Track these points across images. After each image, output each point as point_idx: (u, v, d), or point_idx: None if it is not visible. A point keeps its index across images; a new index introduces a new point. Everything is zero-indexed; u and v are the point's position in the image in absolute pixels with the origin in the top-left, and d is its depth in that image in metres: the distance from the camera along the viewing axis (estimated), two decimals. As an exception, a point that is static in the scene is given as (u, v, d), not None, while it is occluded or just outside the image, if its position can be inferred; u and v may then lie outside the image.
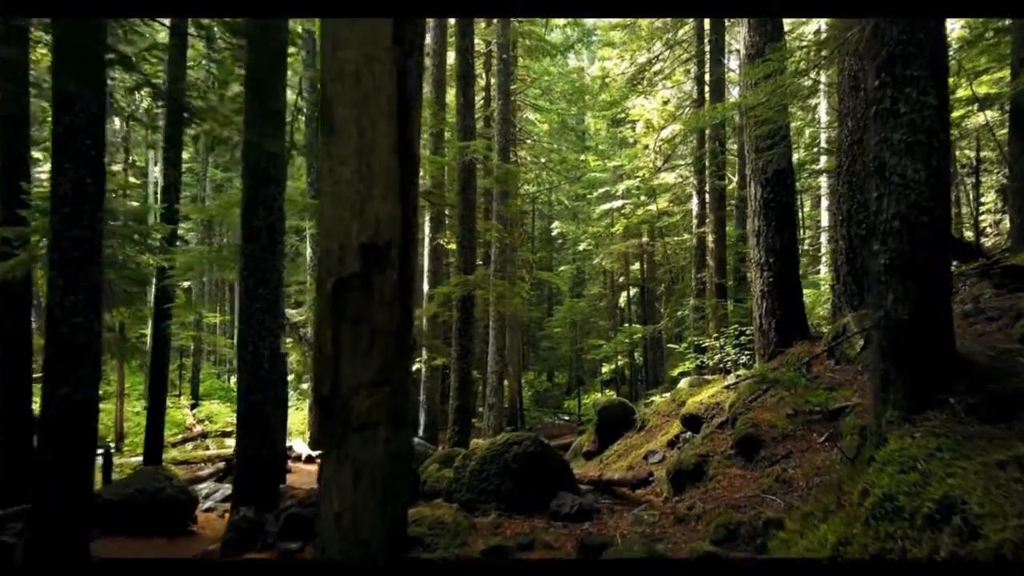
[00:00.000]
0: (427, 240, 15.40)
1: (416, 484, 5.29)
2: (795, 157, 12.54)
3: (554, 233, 33.22)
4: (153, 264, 9.88)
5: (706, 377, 14.08)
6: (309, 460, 15.02)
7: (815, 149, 24.26)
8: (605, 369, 27.76)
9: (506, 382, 24.20)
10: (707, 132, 16.66)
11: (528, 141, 23.60)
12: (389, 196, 3.28)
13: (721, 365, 14.18)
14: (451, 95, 21.04)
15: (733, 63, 17.90)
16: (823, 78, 23.68)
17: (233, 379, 27.04)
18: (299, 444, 15.78)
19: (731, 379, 7.70)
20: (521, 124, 23.49)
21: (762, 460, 5.09)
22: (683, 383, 13.98)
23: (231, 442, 16.16)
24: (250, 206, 7.17)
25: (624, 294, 26.83)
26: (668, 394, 14.12)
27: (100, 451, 10.97)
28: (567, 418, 27.93)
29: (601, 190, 23.98)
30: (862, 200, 9.07)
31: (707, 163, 16.52)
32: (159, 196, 10.79)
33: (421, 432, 15.51)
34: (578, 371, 30.62)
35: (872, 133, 3.10)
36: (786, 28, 11.83)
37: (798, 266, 7.87)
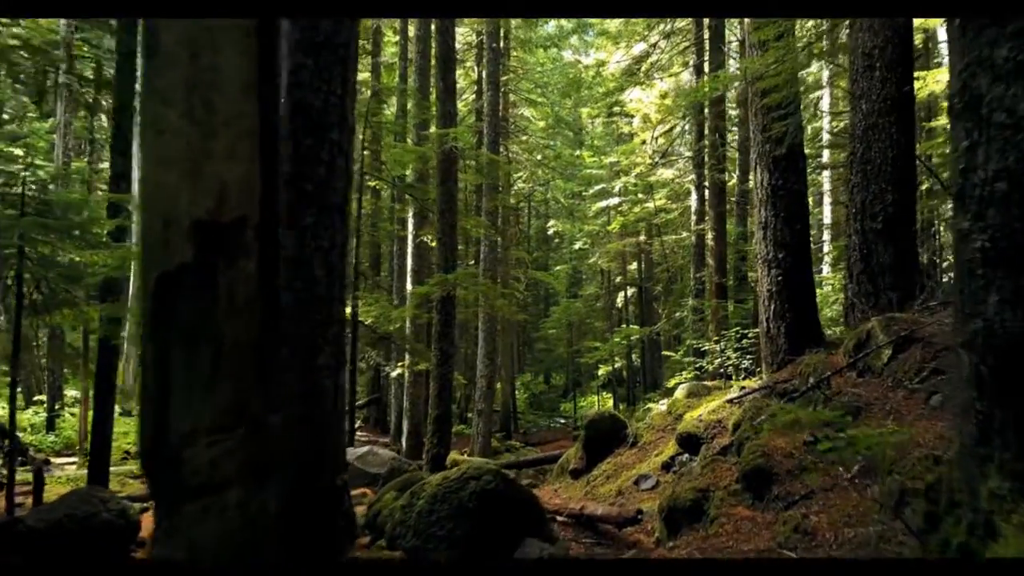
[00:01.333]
0: (411, 237, 14.39)
1: (351, 525, 4.27)
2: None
3: (550, 232, 32.20)
4: (97, 261, 8.89)
5: (705, 384, 13.04)
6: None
7: (817, 143, 23.25)
8: (602, 371, 26.72)
9: (499, 385, 23.20)
10: (706, 124, 15.65)
11: (523, 136, 22.58)
12: (241, 152, 2.23)
13: (721, 370, 13.20)
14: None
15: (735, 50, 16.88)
16: (825, 73, 22.72)
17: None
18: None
19: (734, 391, 6.67)
20: (515, 120, 22.47)
21: (775, 499, 4.07)
22: (680, 391, 12.94)
23: (205, 450, 15.14)
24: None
25: (621, 294, 25.81)
26: (664, 403, 13.09)
27: (29, 467, 9.98)
28: (563, 421, 26.92)
29: (597, 187, 22.97)
30: (878, 190, 8.08)
31: (706, 157, 15.50)
32: (108, 186, 9.80)
33: (404, 441, 14.51)
34: (575, 373, 29.58)
35: (956, 54, 2.05)
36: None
37: (811, 263, 6.85)
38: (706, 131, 15.50)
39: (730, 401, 6.36)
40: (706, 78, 9.71)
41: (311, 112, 4.04)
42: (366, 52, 21.44)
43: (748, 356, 13.12)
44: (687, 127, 17.91)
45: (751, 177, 6.91)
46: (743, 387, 6.66)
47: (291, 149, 4.00)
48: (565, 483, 8.26)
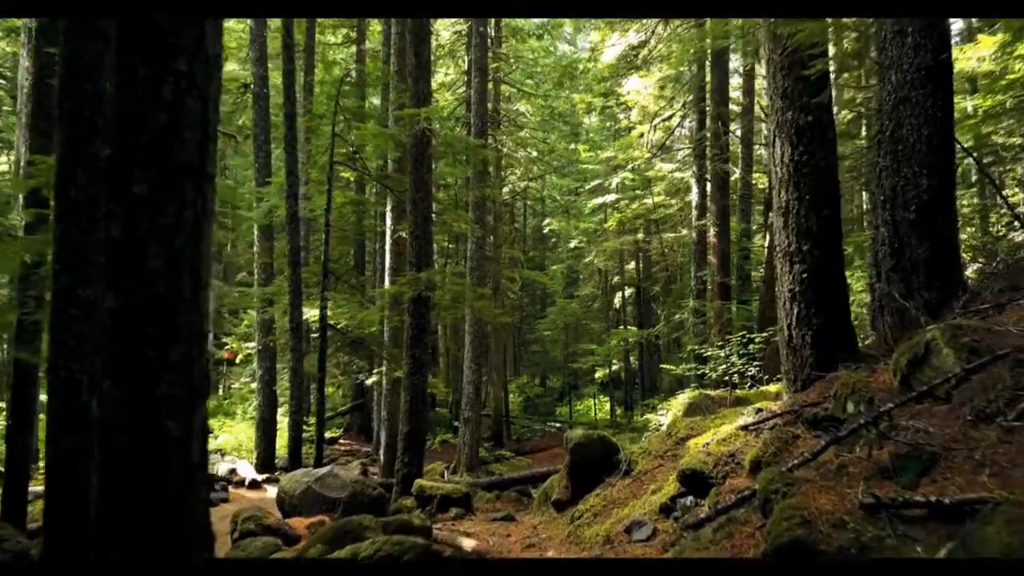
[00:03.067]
0: (389, 232, 13.08)
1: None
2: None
3: (546, 231, 30.89)
4: None
5: (708, 393, 11.75)
6: (254, 485, 12.70)
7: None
8: (599, 374, 25.41)
9: (491, 389, 21.89)
10: (708, 111, 14.33)
11: (519, 133, 21.24)
12: None
13: (726, 378, 11.92)
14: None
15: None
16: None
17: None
18: (244, 467, 13.47)
19: (748, 415, 5.37)
20: (507, 114, 21.14)
21: (825, 594, 2.75)
22: (679, 400, 11.66)
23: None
24: (66, 169, 4.90)
25: (619, 295, 24.48)
26: (663, 417, 11.78)
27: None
28: (559, 425, 25.60)
29: (594, 182, 21.66)
30: (911, 174, 6.78)
31: (708, 147, 14.18)
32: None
33: (381, 455, 13.21)
34: (571, 376, 28.25)
35: None
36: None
37: (842, 256, 5.55)
38: (707, 118, 14.19)
39: (744, 428, 5.05)
40: (711, 23, 8.40)
41: (147, 32, 2.71)
42: (350, 40, 20.17)
43: (755, 364, 11.83)
44: (688, 114, 16.59)
45: (769, 151, 5.60)
46: (759, 408, 5.36)
47: (117, 85, 2.69)
48: (547, 516, 6.95)
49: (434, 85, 22.11)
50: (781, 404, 5.28)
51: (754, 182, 18.56)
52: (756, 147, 21.18)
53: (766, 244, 14.72)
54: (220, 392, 22.35)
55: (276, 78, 16.27)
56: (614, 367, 23.19)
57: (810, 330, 5.25)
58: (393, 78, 12.17)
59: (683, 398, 11.37)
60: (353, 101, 12.08)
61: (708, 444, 5.20)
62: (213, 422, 17.93)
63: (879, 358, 5.49)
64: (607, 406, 25.25)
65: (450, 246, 23.50)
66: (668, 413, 12.01)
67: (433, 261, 9.46)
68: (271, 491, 11.63)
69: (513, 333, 29.19)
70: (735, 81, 18.54)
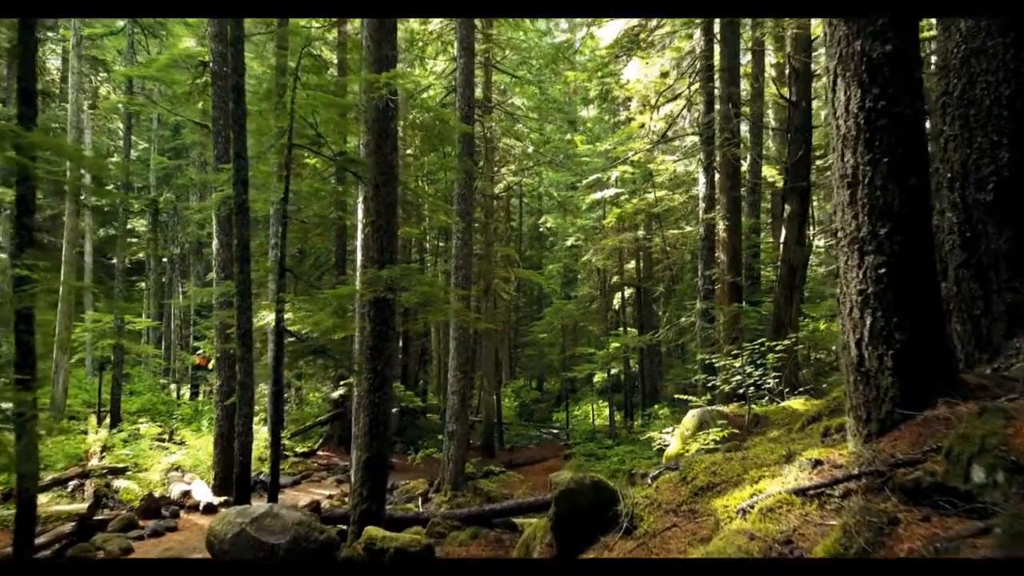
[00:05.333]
0: (360, 226, 11.39)
1: None
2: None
3: (543, 229, 29.21)
4: None
5: (719, 409, 10.07)
6: (210, 510, 11.05)
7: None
8: (597, 378, 23.73)
9: (482, 396, 20.21)
10: (717, 92, 12.65)
11: (510, 119, 19.55)
12: None
13: (740, 390, 10.24)
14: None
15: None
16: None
17: (185, 392, 23.06)
18: (200, 488, 11.81)
19: (801, 467, 3.70)
20: (502, 106, 19.45)
21: None
22: (687, 419, 9.97)
23: (120, 483, 12.19)
24: None
25: (618, 295, 22.79)
26: (671, 437, 10.09)
27: None
28: (556, 431, 23.94)
29: (592, 177, 19.97)
30: (987, 144, 5.16)
31: (717, 131, 12.51)
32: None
33: (352, 475, 11.54)
34: (569, 380, 26.57)
35: None
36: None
37: (932, 243, 3.87)
38: (716, 99, 12.51)
39: (801, 493, 3.39)
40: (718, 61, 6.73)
41: None
42: (331, 23, 18.50)
43: (773, 376, 10.16)
44: (693, 101, 14.92)
45: (829, 99, 3.91)
46: (816, 461, 3.69)
47: None
48: (526, 582, 5.29)
49: (429, 77, 20.49)
50: (850, 455, 3.62)
51: (764, 176, 16.93)
52: (765, 138, 19.47)
53: (782, 240, 13.05)
54: (197, 398, 20.74)
55: (249, 62, 14.61)
56: (613, 371, 21.51)
57: (890, 348, 3.59)
58: (366, 51, 10.49)
59: (692, 415, 9.70)
60: (320, 78, 10.43)
61: (745, 512, 3.54)
62: (180, 435, 16.30)
63: (986, 387, 3.84)
64: (606, 412, 23.58)
65: (440, 244, 21.87)
66: (674, 431, 10.35)
67: (398, 257, 7.80)
68: (224, 519, 9.97)
69: (508, 335, 27.53)
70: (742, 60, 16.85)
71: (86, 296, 20.84)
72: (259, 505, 7.70)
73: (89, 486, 11.71)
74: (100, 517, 9.97)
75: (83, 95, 17.54)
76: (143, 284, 24.90)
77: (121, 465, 12.82)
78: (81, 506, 9.75)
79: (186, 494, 11.63)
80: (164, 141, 23.13)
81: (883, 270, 3.68)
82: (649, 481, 5.58)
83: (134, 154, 25.32)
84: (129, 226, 25.44)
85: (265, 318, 10.80)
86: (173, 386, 22.76)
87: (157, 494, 11.79)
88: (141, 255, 25.53)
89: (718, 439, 5.04)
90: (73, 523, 9.20)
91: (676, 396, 19.15)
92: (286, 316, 10.36)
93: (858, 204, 3.78)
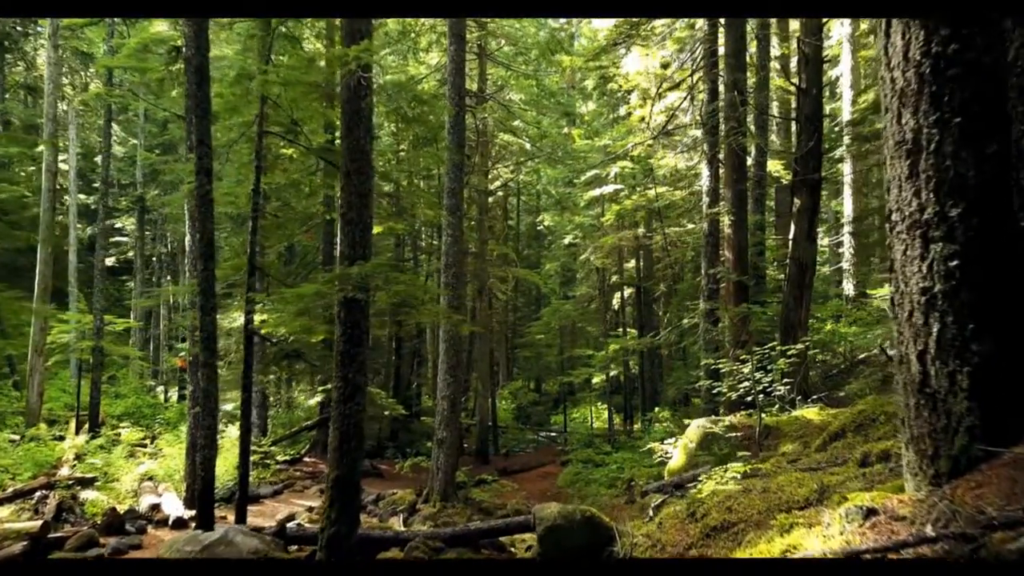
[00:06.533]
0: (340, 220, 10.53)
1: None
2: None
3: (541, 228, 28.35)
4: None
5: (723, 420, 9.22)
6: (180, 525, 10.18)
7: (835, 127, 19.40)
8: (596, 380, 22.87)
9: (477, 400, 19.35)
10: (722, 79, 11.79)
11: (507, 113, 18.66)
12: None
13: (748, 398, 9.42)
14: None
15: None
16: (846, 47, 18.79)
17: (172, 395, 22.21)
18: (171, 501, 10.95)
19: (848, 517, 2.84)
20: (498, 100, 18.57)
21: None
22: (691, 431, 9.11)
23: (88, 494, 11.34)
24: None
25: (617, 295, 21.91)
26: (670, 448, 9.23)
27: None
28: (554, 434, 23.08)
29: (590, 173, 19.11)
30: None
31: (722, 121, 11.64)
32: None
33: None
34: (567, 382, 25.70)
35: None
36: None
37: (1019, 225, 2.99)
38: (721, 86, 11.64)
39: (855, 557, 2.52)
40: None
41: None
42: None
43: (785, 383, 9.30)
44: (695, 91, 14.05)
45: (880, 48, 3.01)
46: (869, 510, 2.82)
47: None
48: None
49: (421, 70, 19.64)
50: (914, 503, 2.75)
51: (768, 170, 16.06)
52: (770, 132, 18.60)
53: (791, 236, 12.18)
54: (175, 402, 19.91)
55: (225, 50, 13.80)
56: (612, 373, 20.64)
57: (966, 364, 2.73)
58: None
59: (695, 427, 8.85)
60: (294, 59, 9.59)
61: (777, 577, 2.67)
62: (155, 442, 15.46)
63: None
64: (605, 415, 22.70)
65: (434, 242, 21.03)
66: (676, 441, 9.50)
67: (371, 253, 6.95)
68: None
69: (506, 335, 26.68)
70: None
71: (70, 296, 20.04)
72: (214, 532, 6.86)
73: (52, 498, 10.86)
74: (58, 534, 9.11)
75: (60, 87, 16.69)
76: (131, 284, 24.08)
77: (90, 475, 11.98)
78: (35, 524, 8.89)
79: (155, 507, 10.78)
80: (152, 137, 22.31)
81: (955, 262, 2.81)
82: (651, 513, 4.72)
83: (123, 151, 24.51)
84: (117, 224, 24.63)
85: (237, 320, 9.97)
86: (160, 388, 21.92)
87: (126, 506, 10.95)
88: (131, 254, 24.72)
89: (739, 475, 4.19)
90: (24, 544, 8.34)
91: (676, 400, 18.24)
92: (259, 318, 9.53)
93: (921, 178, 2.91)
